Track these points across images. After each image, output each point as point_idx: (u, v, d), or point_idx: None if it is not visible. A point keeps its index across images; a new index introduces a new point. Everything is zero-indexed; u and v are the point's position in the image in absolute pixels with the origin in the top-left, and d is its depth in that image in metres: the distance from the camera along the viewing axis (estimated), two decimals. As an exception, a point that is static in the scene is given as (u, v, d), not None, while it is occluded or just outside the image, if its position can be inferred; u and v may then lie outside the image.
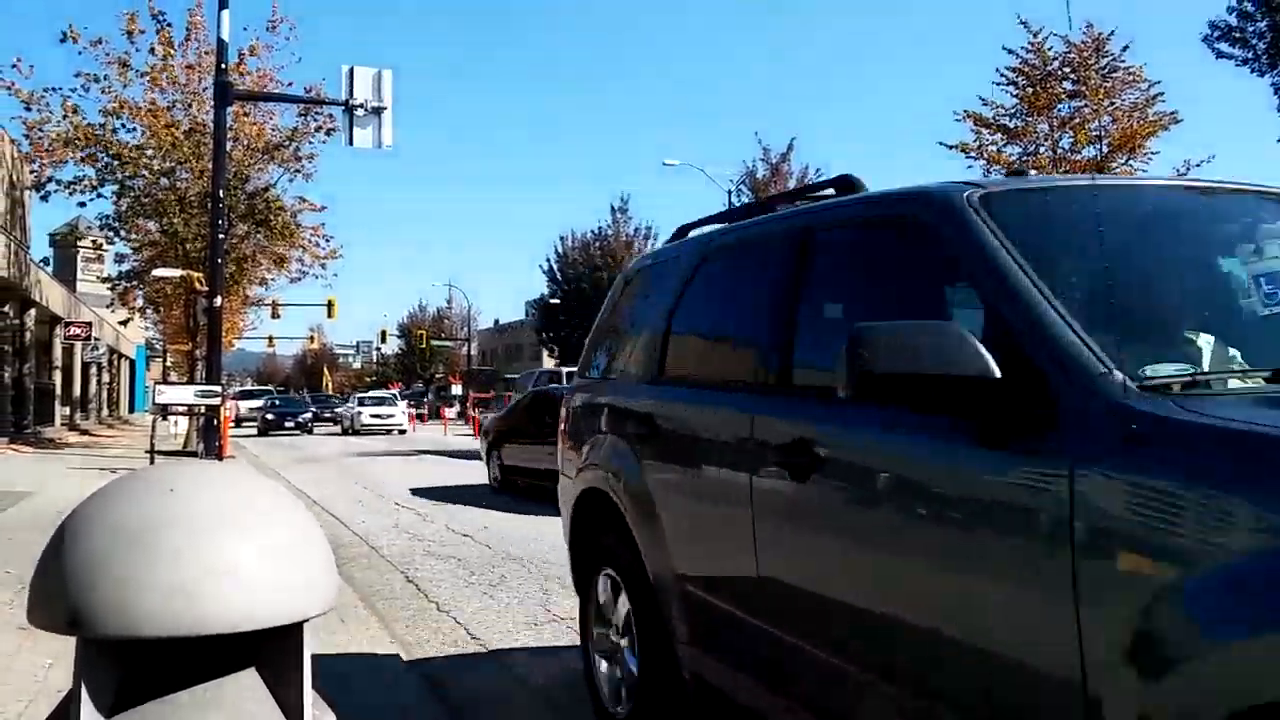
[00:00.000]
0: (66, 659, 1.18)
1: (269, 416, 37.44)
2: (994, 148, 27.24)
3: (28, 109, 20.01)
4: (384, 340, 72.95)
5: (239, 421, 43.54)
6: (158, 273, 21.73)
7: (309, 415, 39.23)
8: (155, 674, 1.16)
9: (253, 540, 1.15)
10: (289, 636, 1.20)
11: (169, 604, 1.07)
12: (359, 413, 36.53)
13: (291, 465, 19.45)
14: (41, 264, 29.09)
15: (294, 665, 1.21)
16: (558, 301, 54.68)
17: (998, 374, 1.91)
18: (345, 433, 36.89)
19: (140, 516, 1.13)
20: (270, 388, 67.90)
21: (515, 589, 6.67)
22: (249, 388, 68.72)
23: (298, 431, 36.99)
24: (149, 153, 20.58)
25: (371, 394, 46.28)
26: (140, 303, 27.60)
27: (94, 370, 39.45)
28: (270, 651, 1.21)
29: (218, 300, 16.13)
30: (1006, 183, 2.84)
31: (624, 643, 3.53)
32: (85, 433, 31.30)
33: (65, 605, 1.08)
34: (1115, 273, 2.19)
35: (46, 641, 4.55)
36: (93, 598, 1.07)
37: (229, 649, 1.17)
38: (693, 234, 3.97)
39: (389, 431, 35.73)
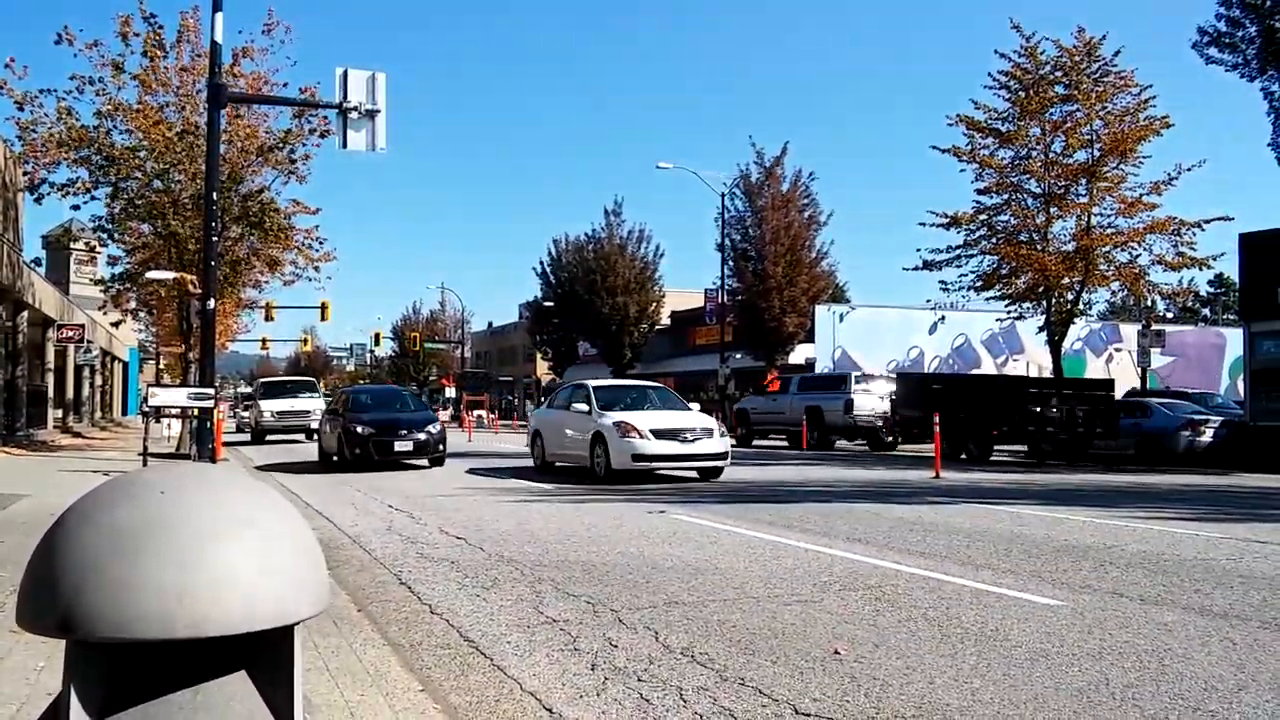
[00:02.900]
0: (59, 661, 1.17)
1: (358, 430, 18.60)
2: (986, 151, 27.32)
3: (20, 109, 20.00)
4: (377, 343, 72.76)
5: (259, 433, 30.86)
6: (151, 275, 21.67)
7: (438, 429, 19.34)
8: (145, 677, 1.16)
9: (244, 543, 1.15)
10: (280, 639, 1.20)
11: (159, 607, 1.07)
12: (622, 429, 15.43)
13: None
14: (34, 266, 29.01)
15: (285, 668, 1.21)
16: (551, 304, 54.66)
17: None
18: (543, 469, 17.84)
19: (131, 519, 1.13)
20: (314, 379, 41.51)
21: (508, 591, 6.67)
22: (276, 378, 44.63)
23: (420, 460, 19.04)
24: (142, 154, 20.55)
25: (617, 381, 22.90)
26: (133, 305, 27.52)
27: (87, 373, 39.33)
28: (261, 654, 1.21)
29: (211, 303, 16.07)
30: None
31: None
32: (78, 435, 31.20)
33: (55, 608, 1.08)
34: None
35: (39, 644, 4.53)
36: (83, 600, 1.07)
37: (220, 651, 1.17)
38: None
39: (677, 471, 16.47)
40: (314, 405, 30.52)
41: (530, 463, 18.70)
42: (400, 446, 18.39)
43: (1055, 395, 22.60)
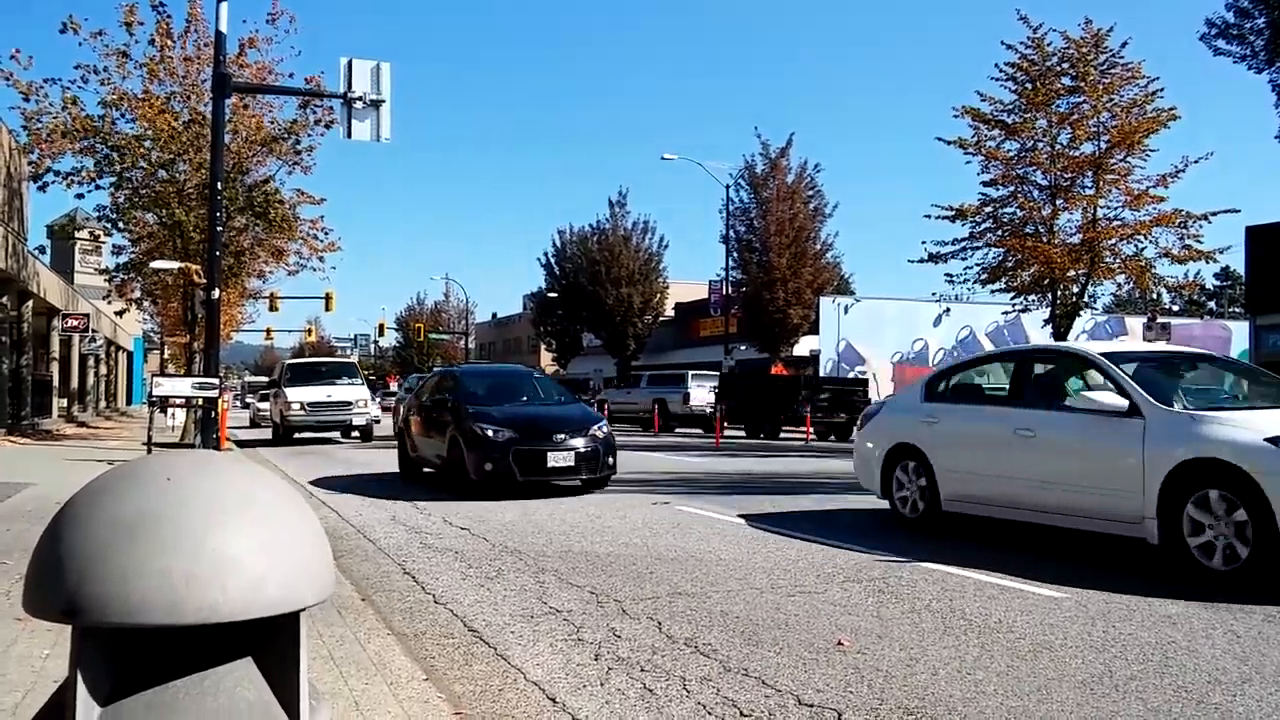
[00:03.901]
0: (64, 649, 1.18)
1: (489, 433, 11.96)
2: (991, 143, 27.24)
3: (26, 99, 20.02)
4: (382, 333, 73.02)
5: (285, 431, 24.11)
6: (155, 265, 21.68)
7: (606, 432, 12.69)
8: (151, 663, 1.16)
9: (249, 529, 1.15)
10: (285, 626, 1.20)
11: (165, 592, 1.07)
12: None
13: (286, 455, 19.37)
14: (39, 255, 29.05)
15: (291, 654, 1.21)
16: (555, 295, 54.67)
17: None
18: (918, 521, 9.22)
19: (137, 506, 1.13)
20: (354, 362, 33.94)
21: (512, 581, 6.69)
22: (306, 359, 33.87)
23: (573, 480, 12.44)
24: (147, 144, 20.57)
25: (1141, 348, 11.07)
26: (138, 295, 27.56)
27: (91, 362, 39.42)
28: (267, 640, 1.21)
29: (216, 292, 16.09)
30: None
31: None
32: (83, 425, 31.29)
33: (61, 594, 1.09)
34: None
35: (44, 631, 4.55)
36: (89, 586, 1.07)
37: (225, 637, 1.18)
38: None
39: None
40: (357, 394, 24.76)
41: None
42: (557, 460, 11.85)
43: (820, 391, 30.34)
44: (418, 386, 16.25)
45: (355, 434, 25.52)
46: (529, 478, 11.85)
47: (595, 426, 12.48)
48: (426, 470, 14.09)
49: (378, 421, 25.30)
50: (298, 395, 24.04)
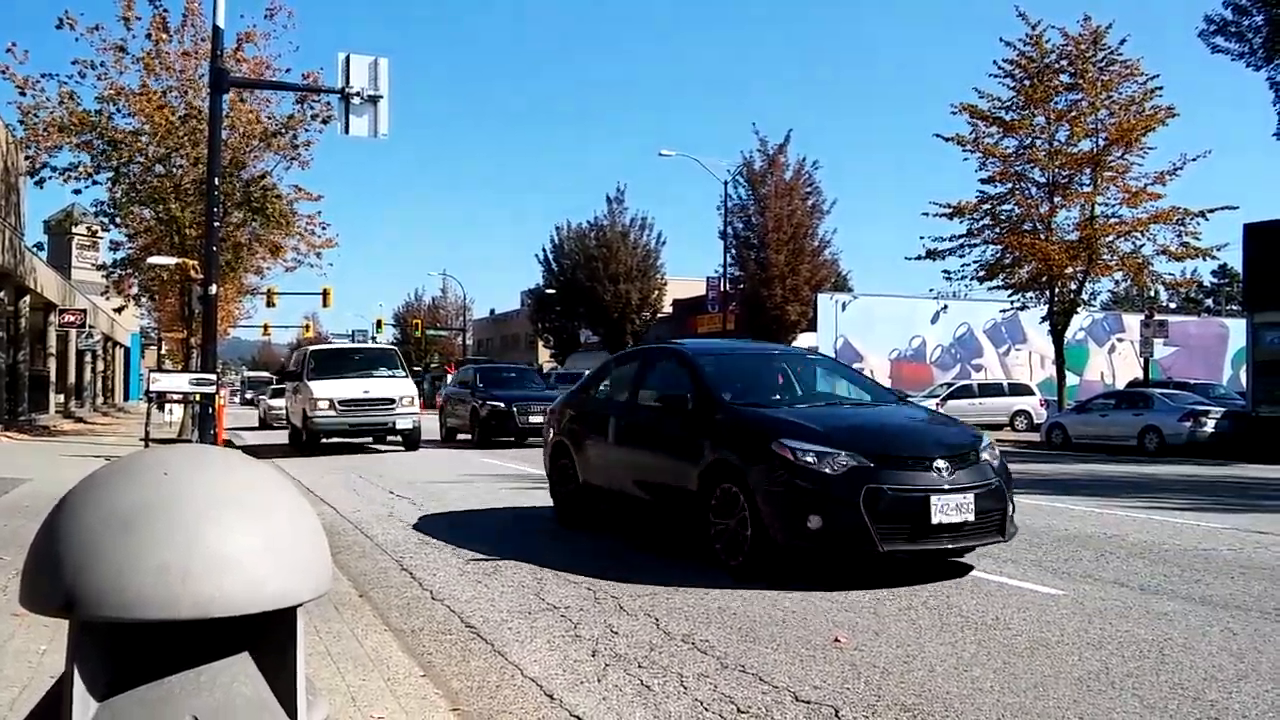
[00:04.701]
0: (61, 644, 1.17)
1: (819, 464, 6.34)
2: (990, 140, 27.24)
3: (22, 94, 19.98)
4: (379, 329, 72.84)
5: (309, 436, 19.25)
6: (153, 260, 21.65)
7: (992, 449, 7.05)
8: (149, 657, 1.16)
9: (247, 523, 1.15)
10: (282, 620, 1.20)
11: (162, 587, 1.07)
12: None
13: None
14: (36, 251, 28.99)
15: (287, 649, 1.21)
16: (553, 291, 54.64)
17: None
18: None
19: (134, 499, 1.13)
20: (394, 348, 24.25)
21: (509, 578, 6.69)
22: (335, 346, 28.49)
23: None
24: (144, 139, 20.53)
25: None
26: (135, 290, 27.51)
27: (88, 358, 39.33)
28: (264, 635, 1.21)
29: (213, 288, 16.04)
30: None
31: None
32: (80, 420, 31.25)
33: (58, 588, 1.08)
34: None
35: (41, 626, 4.55)
36: (86, 580, 1.07)
37: (222, 632, 1.17)
38: None
39: None
40: (401, 390, 19.52)
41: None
42: (947, 510, 6.34)
43: None
44: (593, 375, 10.24)
45: (395, 438, 20.01)
46: (897, 546, 6.36)
47: (982, 447, 7.05)
48: (604, 507, 8.96)
49: None
50: (327, 390, 18.75)
